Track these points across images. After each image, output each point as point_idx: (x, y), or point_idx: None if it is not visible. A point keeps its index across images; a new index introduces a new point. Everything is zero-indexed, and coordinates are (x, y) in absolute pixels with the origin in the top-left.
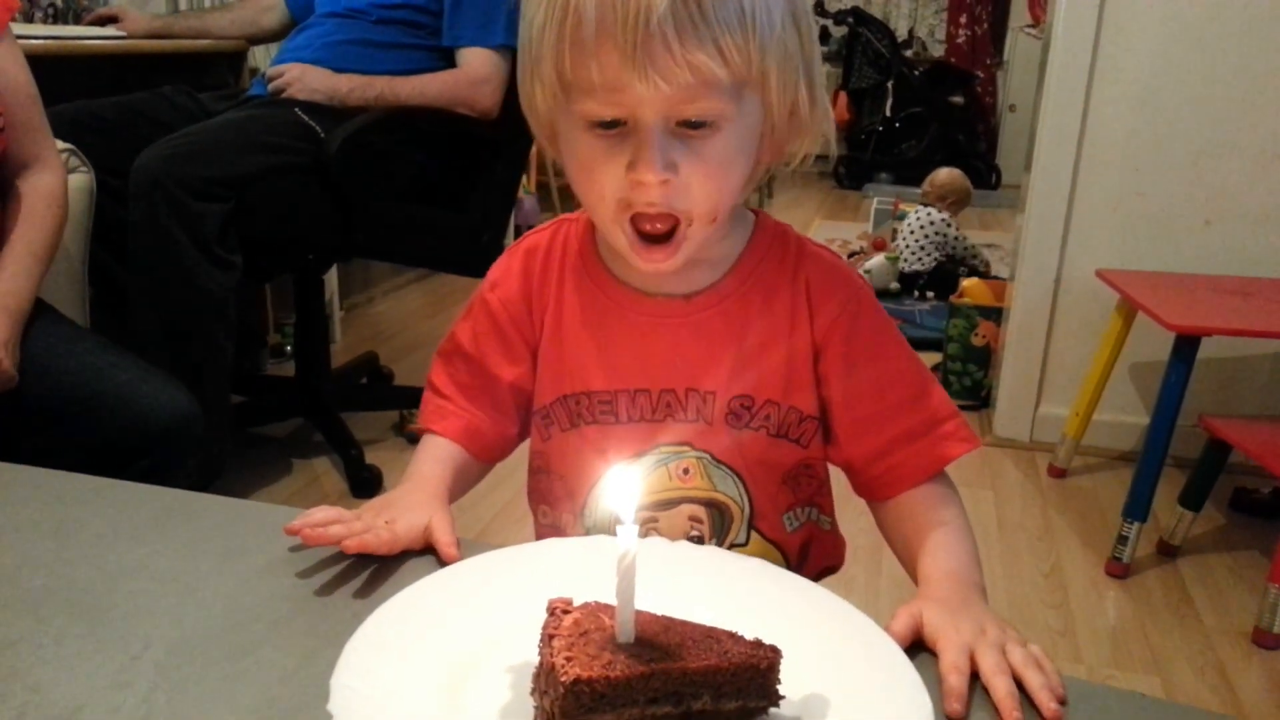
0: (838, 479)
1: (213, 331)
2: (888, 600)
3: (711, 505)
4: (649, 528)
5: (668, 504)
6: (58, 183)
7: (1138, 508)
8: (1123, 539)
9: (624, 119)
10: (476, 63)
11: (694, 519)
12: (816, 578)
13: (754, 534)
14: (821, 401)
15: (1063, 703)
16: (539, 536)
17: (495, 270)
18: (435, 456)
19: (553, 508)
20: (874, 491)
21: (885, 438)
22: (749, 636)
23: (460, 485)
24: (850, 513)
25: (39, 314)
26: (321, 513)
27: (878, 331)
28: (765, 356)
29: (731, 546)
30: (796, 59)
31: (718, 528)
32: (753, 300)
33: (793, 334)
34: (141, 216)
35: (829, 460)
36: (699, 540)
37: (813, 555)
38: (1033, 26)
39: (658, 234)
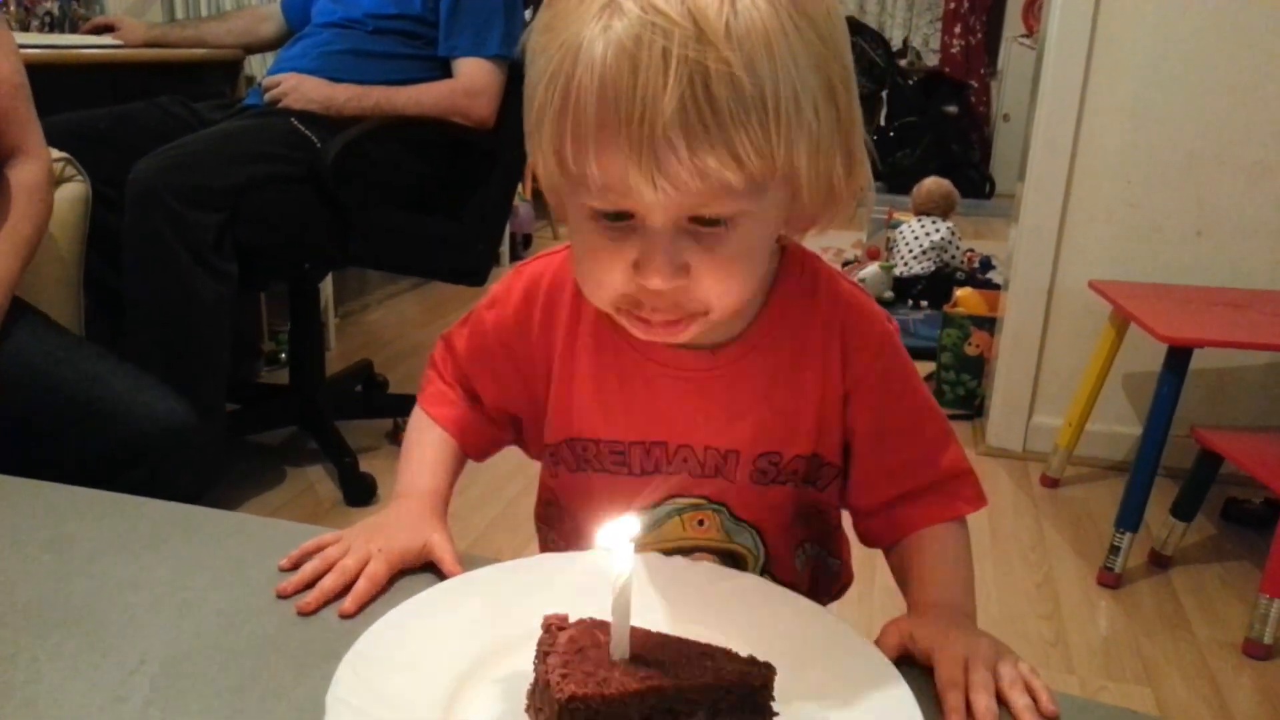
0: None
1: (208, 341)
2: (880, 604)
3: (726, 555)
4: None
5: (680, 552)
6: (42, 173)
7: (1130, 518)
8: (1115, 549)
9: (630, 212)
10: (472, 73)
11: None
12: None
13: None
14: (845, 446)
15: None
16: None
17: (497, 288)
18: (433, 458)
19: (562, 539)
20: (876, 538)
21: (898, 490)
22: (743, 653)
23: (455, 482)
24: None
25: (36, 321)
26: (312, 566)
27: (906, 379)
28: (797, 410)
29: None
30: (832, 139)
31: None
32: (783, 349)
33: (825, 382)
34: (137, 226)
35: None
36: None
37: (818, 592)
38: (1026, 36)
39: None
